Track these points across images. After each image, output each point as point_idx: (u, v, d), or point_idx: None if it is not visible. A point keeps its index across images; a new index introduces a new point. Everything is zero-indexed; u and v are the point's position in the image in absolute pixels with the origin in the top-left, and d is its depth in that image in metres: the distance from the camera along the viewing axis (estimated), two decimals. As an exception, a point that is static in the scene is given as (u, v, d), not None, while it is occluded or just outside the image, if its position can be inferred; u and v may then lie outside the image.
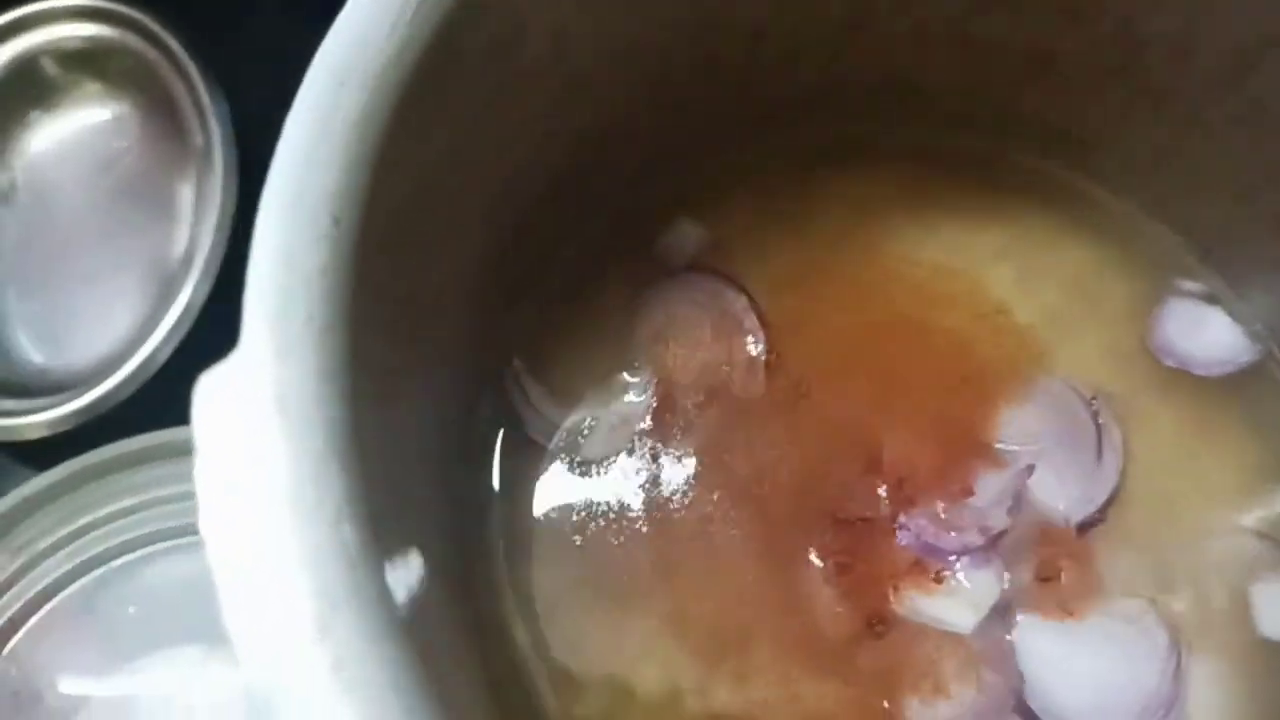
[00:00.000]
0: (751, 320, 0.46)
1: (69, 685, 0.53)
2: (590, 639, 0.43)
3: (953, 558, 0.43)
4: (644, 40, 0.40)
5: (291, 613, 0.25)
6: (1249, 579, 0.43)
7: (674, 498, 0.44)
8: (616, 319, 0.46)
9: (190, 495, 0.52)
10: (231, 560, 0.25)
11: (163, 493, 0.53)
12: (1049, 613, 0.42)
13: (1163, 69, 0.40)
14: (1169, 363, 0.45)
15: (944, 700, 0.42)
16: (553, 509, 0.45)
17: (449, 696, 0.28)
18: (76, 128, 0.61)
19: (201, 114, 0.57)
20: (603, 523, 0.44)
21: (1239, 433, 0.45)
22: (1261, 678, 0.42)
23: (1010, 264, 0.47)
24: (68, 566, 0.53)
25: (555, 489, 0.45)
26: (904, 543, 0.43)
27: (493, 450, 0.45)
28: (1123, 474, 0.44)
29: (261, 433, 0.26)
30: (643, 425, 0.45)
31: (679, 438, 0.45)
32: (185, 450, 0.53)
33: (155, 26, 0.58)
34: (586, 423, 0.45)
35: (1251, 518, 0.44)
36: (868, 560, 0.43)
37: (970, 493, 0.43)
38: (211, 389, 0.26)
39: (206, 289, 0.54)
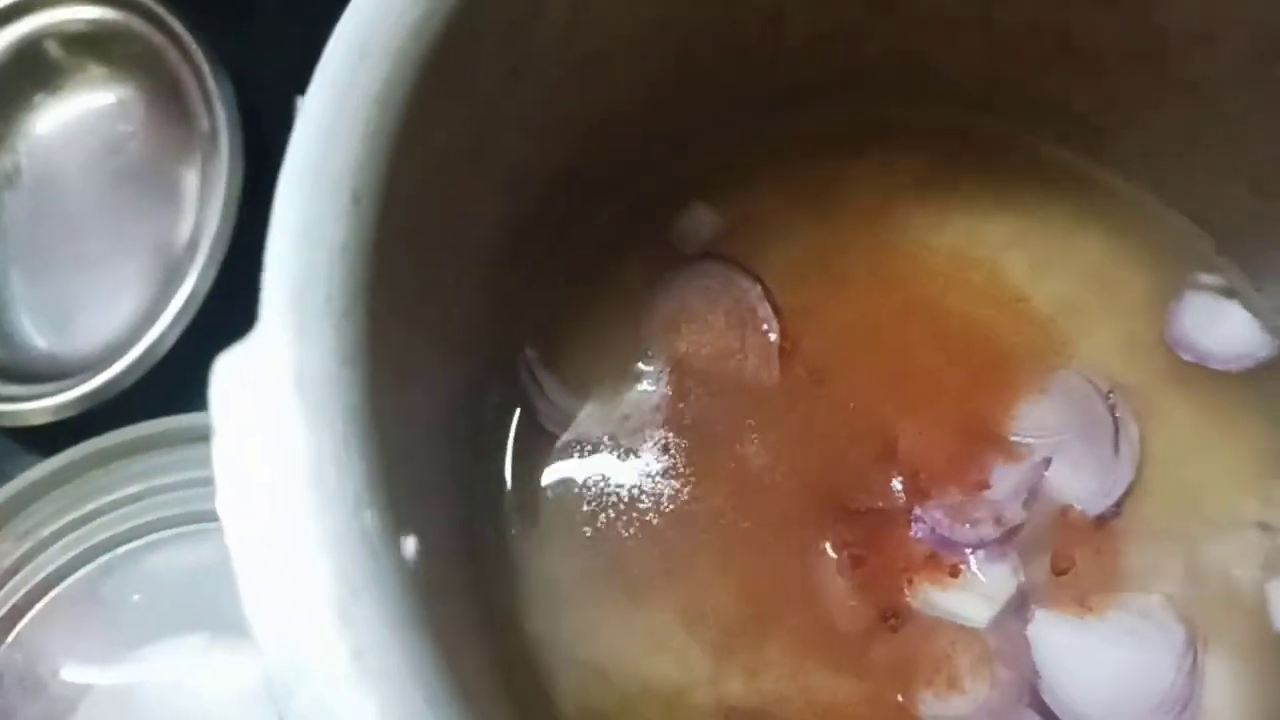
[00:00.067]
0: (765, 308, 0.45)
1: (73, 672, 0.53)
2: (602, 630, 0.43)
3: (968, 551, 0.42)
4: (663, 19, 0.39)
5: (311, 598, 0.25)
6: (1266, 574, 0.43)
7: (686, 488, 0.44)
8: (630, 306, 0.46)
9: (195, 483, 0.53)
10: (250, 544, 0.25)
11: (168, 480, 0.53)
12: (1065, 607, 0.42)
13: (1184, 56, 0.40)
14: (1186, 357, 0.45)
15: (958, 695, 0.41)
16: (564, 498, 0.44)
17: (466, 685, 0.28)
18: (81, 111, 0.60)
19: (207, 98, 0.56)
20: (614, 513, 0.44)
21: (1256, 427, 0.44)
22: (1277, 673, 0.42)
23: (1025, 253, 0.46)
24: (72, 553, 0.53)
25: (567, 479, 0.45)
26: (919, 535, 0.43)
27: (505, 439, 0.45)
28: (1139, 468, 0.44)
29: (280, 414, 0.25)
30: (656, 415, 0.45)
31: (692, 427, 0.45)
32: (191, 437, 0.52)
33: (160, 10, 0.57)
34: (599, 412, 0.45)
35: (1268, 513, 0.44)
36: (882, 553, 0.43)
37: (986, 485, 0.43)
38: (229, 369, 0.26)
39: (212, 275, 0.54)
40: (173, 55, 0.57)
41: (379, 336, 0.28)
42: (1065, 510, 0.43)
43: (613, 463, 0.44)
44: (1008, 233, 0.47)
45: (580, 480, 0.44)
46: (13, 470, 0.53)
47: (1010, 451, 0.43)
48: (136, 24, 0.58)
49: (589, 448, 0.45)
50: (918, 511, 0.43)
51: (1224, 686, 0.42)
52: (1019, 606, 0.42)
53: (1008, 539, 0.42)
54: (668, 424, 0.45)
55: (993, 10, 0.42)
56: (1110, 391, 0.44)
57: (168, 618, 0.53)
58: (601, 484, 0.44)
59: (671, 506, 0.44)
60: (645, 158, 0.46)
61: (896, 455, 0.43)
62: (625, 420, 0.45)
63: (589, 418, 0.45)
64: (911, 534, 0.43)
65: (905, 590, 0.42)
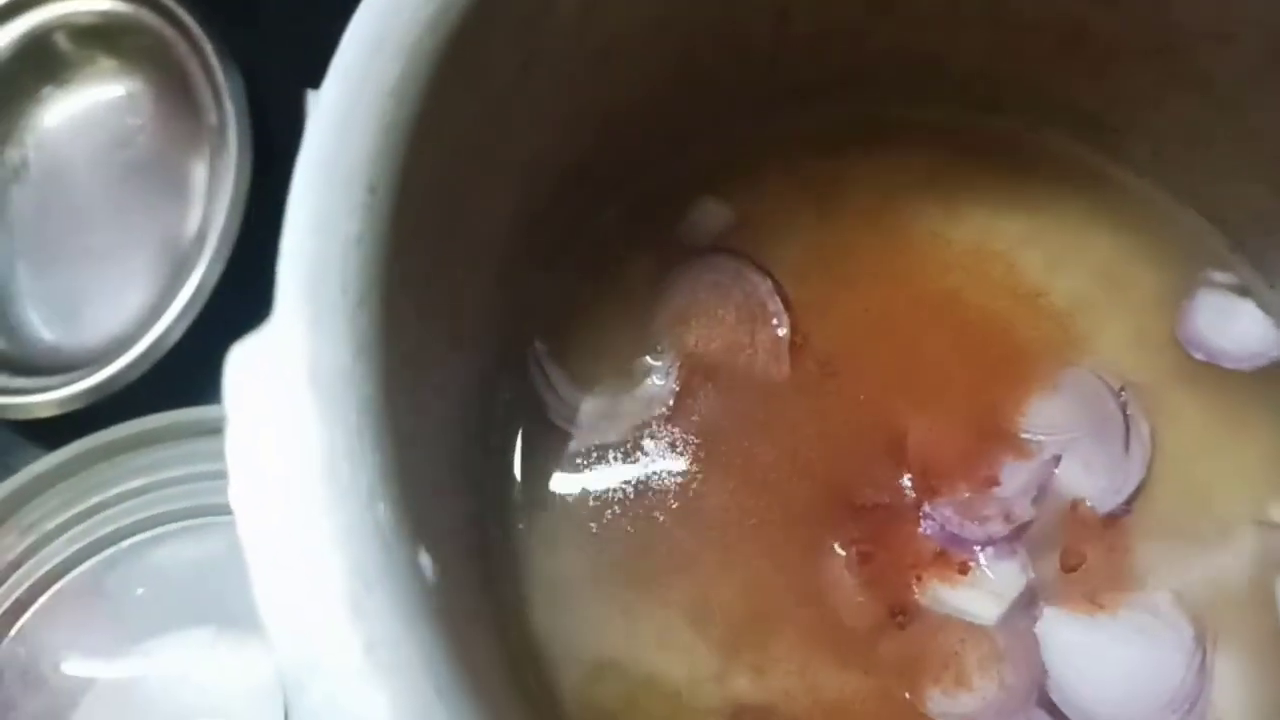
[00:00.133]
0: (776, 303, 0.45)
1: (77, 666, 0.53)
2: (609, 626, 0.43)
3: (977, 548, 0.42)
4: (669, 17, 0.39)
5: (324, 592, 0.25)
6: (1276, 573, 0.43)
7: (694, 484, 0.44)
8: (640, 301, 0.46)
9: (201, 476, 0.53)
10: (263, 536, 0.25)
11: (173, 473, 0.53)
12: (1074, 605, 0.42)
13: (1199, 54, 0.40)
14: (1198, 355, 0.45)
15: (966, 692, 0.41)
16: (572, 494, 0.44)
17: (477, 678, 0.28)
18: (89, 104, 0.60)
19: (216, 92, 0.56)
20: (622, 509, 0.44)
21: (1268, 426, 0.44)
22: (1286, 672, 0.42)
23: (1039, 249, 0.46)
24: (77, 546, 0.53)
25: (575, 474, 0.44)
26: (928, 532, 0.43)
27: (514, 434, 0.45)
28: (1150, 466, 0.43)
29: (294, 406, 0.25)
30: (665, 410, 0.45)
31: (701, 423, 0.45)
32: (197, 430, 0.52)
33: (170, 3, 0.57)
34: (608, 407, 0.45)
35: (1278, 511, 0.43)
36: (890, 549, 0.43)
37: (996, 482, 0.43)
38: (243, 360, 0.26)
39: (219, 269, 0.54)
40: (182, 48, 0.57)
41: (393, 329, 0.28)
42: (1075, 507, 0.43)
43: (620, 459, 0.44)
44: (1021, 229, 0.47)
45: (588, 476, 0.44)
46: (17, 463, 0.53)
47: (1020, 448, 0.43)
48: (146, 17, 0.58)
49: (597, 443, 0.45)
50: (927, 508, 0.43)
51: (1233, 684, 0.42)
52: (1028, 604, 0.42)
53: (1017, 536, 0.42)
54: (676, 419, 0.45)
55: (1002, 7, 0.42)
56: (1121, 389, 0.44)
57: (172, 612, 0.53)
58: (609, 480, 0.44)
59: (678, 503, 0.44)
60: (654, 153, 0.46)
61: (906, 451, 0.43)
62: (634, 416, 0.45)
63: (598, 413, 0.45)
64: (920, 530, 0.43)
65: (914, 587, 0.42)
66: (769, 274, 0.46)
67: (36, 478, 0.52)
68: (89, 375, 0.53)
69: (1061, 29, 0.42)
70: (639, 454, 0.44)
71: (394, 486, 0.26)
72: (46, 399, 0.54)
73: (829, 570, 0.43)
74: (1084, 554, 0.42)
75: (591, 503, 0.44)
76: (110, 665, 0.53)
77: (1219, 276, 0.46)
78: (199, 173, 0.58)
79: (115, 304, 0.57)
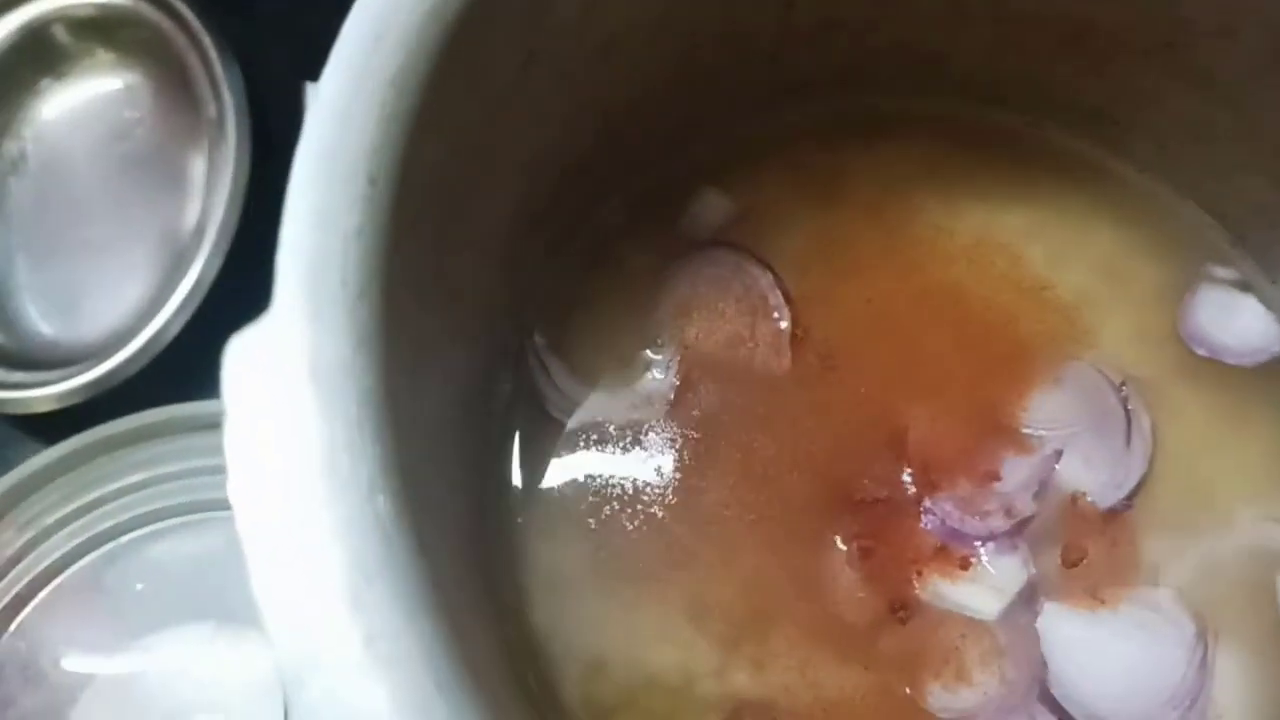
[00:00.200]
0: (777, 296, 0.45)
1: (76, 661, 0.53)
2: (608, 621, 0.43)
3: (978, 543, 0.42)
4: (674, 13, 0.39)
5: (323, 585, 0.24)
6: (1276, 568, 0.43)
7: (692, 479, 0.44)
8: (640, 294, 0.46)
9: (200, 471, 0.53)
10: (262, 529, 0.25)
11: (172, 468, 0.53)
12: (1075, 600, 0.42)
13: (1202, 49, 0.40)
14: (1200, 351, 0.45)
15: (966, 687, 0.41)
16: (572, 489, 0.44)
17: (477, 671, 0.28)
18: (88, 97, 0.60)
19: (215, 85, 0.56)
20: (620, 504, 0.44)
21: (1269, 422, 0.44)
22: (1287, 667, 0.42)
23: (1039, 244, 0.46)
24: (76, 542, 0.53)
25: (575, 468, 0.44)
26: (928, 527, 0.43)
27: (513, 427, 0.45)
28: (1151, 461, 0.43)
29: (293, 399, 0.25)
30: (665, 404, 0.45)
31: (700, 417, 0.44)
32: (196, 425, 0.52)
33: (169, -5, 0.57)
34: (607, 401, 0.45)
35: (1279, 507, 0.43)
36: (891, 544, 0.43)
37: (996, 477, 0.43)
38: (242, 351, 0.26)
39: (218, 263, 0.54)
40: (180, 41, 0.57)
41: (393, 321, 0.28)
42: (1076, 502, 0.43)
43: (619, 453, 0.44)
44: (1023, 223, 0.46)
45: (586, 471, 0.44)
46: (16, 458, 0.53)
47: (1021, 443, 0.43)
48: (144, 9, 0.58)
49: (596, 437, 0.45)
50: (927, 503, 0.43)
51: (1234, 680, 0.42)
52: (1028, 599, 0.42)
53: (1018, 531, 0.42)
54: (676, 414, 0.45)
55: (1002, 3, 0.42)
56: (1123, 384, 0.44)
57: (171, 607, 0.53)
58: (607, 475, 0.44)
59: (677, 498, 0.44)
60: (656, 146, 0.46)
61: (907, 445, 0.43)
62: (633, 409, 0.45)
63: (597, 406, 0.45)
64: (921, 525, 0.43)
65: (914, 582, 0.42)
66: (769, 267, 0.46)
67: (35, 473, 0.52)
68: (88, 370, 0.53)
69: (1064, 24, 0.42)
70: (638, 449, 0.44)
71: (394, 479, 0.26)
72: (45, 393, 0.53)
73: (829, 565, 0.43)
74: (1085, 549, 0.42)
75: (590, 497, 0.44)
76: (109, 660, 0.53)
77: (1220, 271, 0.46)
78: (198, 166, 0.57)
79: (114, 297, 0.57)
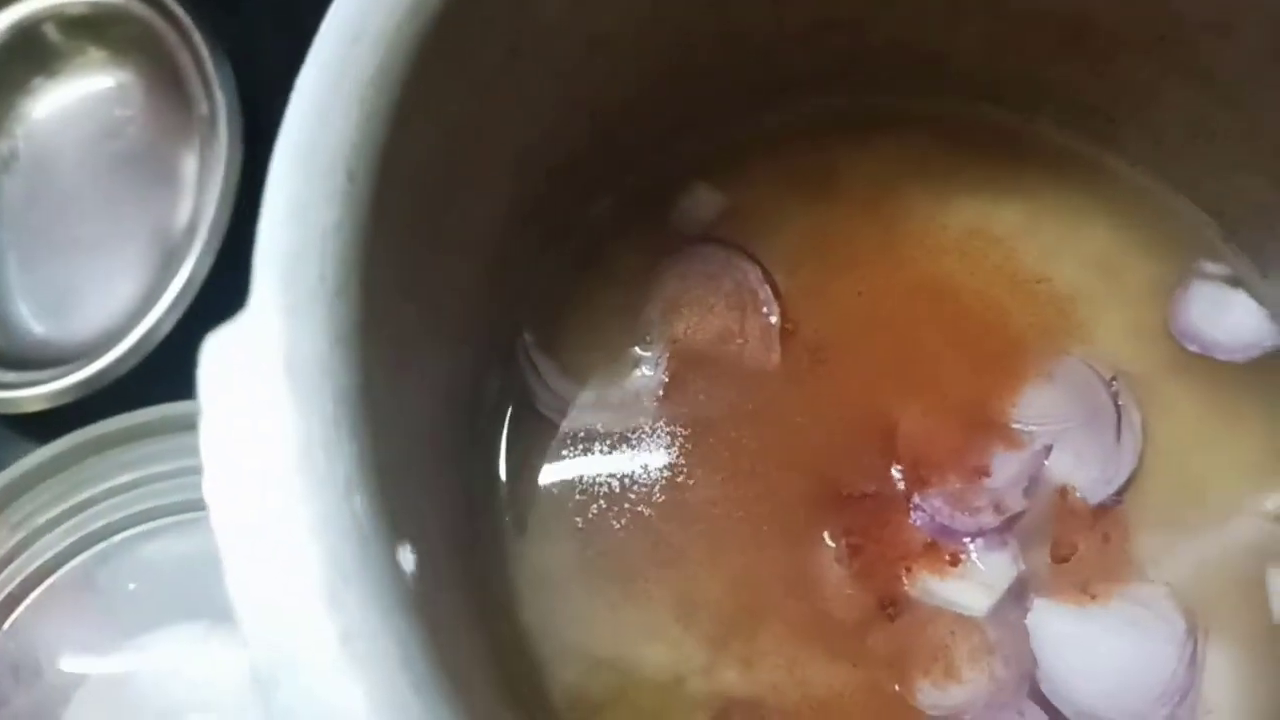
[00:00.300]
0: (766, 291, 0.45)
1: (69, 661, 0.53)
2: (595, 620, 0.43)
3: (967, 539, 0.42)
4: (665, 6, 0.39)
5: (299, 583, 0.24)
6: (1266, 564, 0.42)
7: (681, 477, 0.44)
8: (630, 291, 0.46)
9: (192, 470, 0.52)
10: (237, 528, 0.25)
11: (164, 468, 0.53)
12: (1065, 596, 0.42)
13: (1200, 46, 0.39)
14: (1192, 347, 0.44)
15: (956, 684, 0.41)
16: (560, 487, 0.44)
17: (457, 672, 0.28)
18: (79, 95, 0.60)
19: (207, 82, 0.56)
20: (608, 503, 0.44)
21: (1260, 417, 0.44)
22: (1278, 664, 0.42)
23: (1034, 239, 0.46)
24: (68, 541, 0.53)
25: (564, 466, 0.44)
26: (918, 523, 0.42)
27: (501, 426, 0.45)
28: (1142, 456, 0.43)
29: (269, 396, 0.25)
30: (654, 401, 0.44)
31: (689, 414, 0.44)
32: (188, 425, 0.52)
33: (160, -7, 0.57)
34: (597, 399, 0.45)
35: (1271, 503, 0.43)
36: (880, 541, 0.42)
37: (986, 473, 0.43)
38: (218, 349, 0.26)
39: (210, 261, 0.54)
40: (172, 39, 0.57)
41: (373, 318, 0.28)
42: (1066, 498, 0.43)
43: (607, 451, 0.44)
44: (1017, 219, 0.46)
45: (574, 469, 0.44)
46: (8, 458, 0.53)
47: (1011, 439, 0.43)
48: (135, 7, 0.58)
49: (584, 435, 0.44)
50: (917, 499, 0.42)
51: (1224, 676, 0.41)
52: (1018, 595, 0.42)
53: (1008, 527, 0.42)
54: (665, 411, 0.44)
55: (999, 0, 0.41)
56: (1113, 379, 0.44)
57: (164, 606, 0.53)
58: (595, 473, 0.44)
59: (665, 496, 0.44)
60: (646, 142, 0.45)
61: (896, 441, 0.43)
62: (623, 407, 0.45)
63: (586, 404, 0.45)
64: (910, 522, 0.42)
65: (903, 579, 0.42)
66: (759, 262, 0.45)
67: (27, 472, 0.52)
68: (79, 369, 0.53)
69: (1062, 21, 0.42)
70: (626, 446, 0.44)
71: (372, 477, 0.26)
72: (36, 393, 0.53)
73: (818, 562, 0.42)
74: (1075, 545, 0.42)
75: (578, 496, 0.44)
76: (102, 660, 0.52)
77: (1212, 267, 0.45)
78: (189, 164, 0.57)
79: (105, 296, 0.57)
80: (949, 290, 0.45)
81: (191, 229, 0.54)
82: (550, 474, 0.44)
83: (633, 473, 0.44)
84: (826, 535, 0.43)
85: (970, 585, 0.42)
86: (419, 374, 0.35)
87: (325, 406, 0.25)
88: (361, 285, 0.27)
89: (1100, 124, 0.46)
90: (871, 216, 0.47)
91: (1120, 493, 0.43)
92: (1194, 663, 0.41)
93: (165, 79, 0.58)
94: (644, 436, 0.44)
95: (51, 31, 0.59)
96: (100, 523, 0.53)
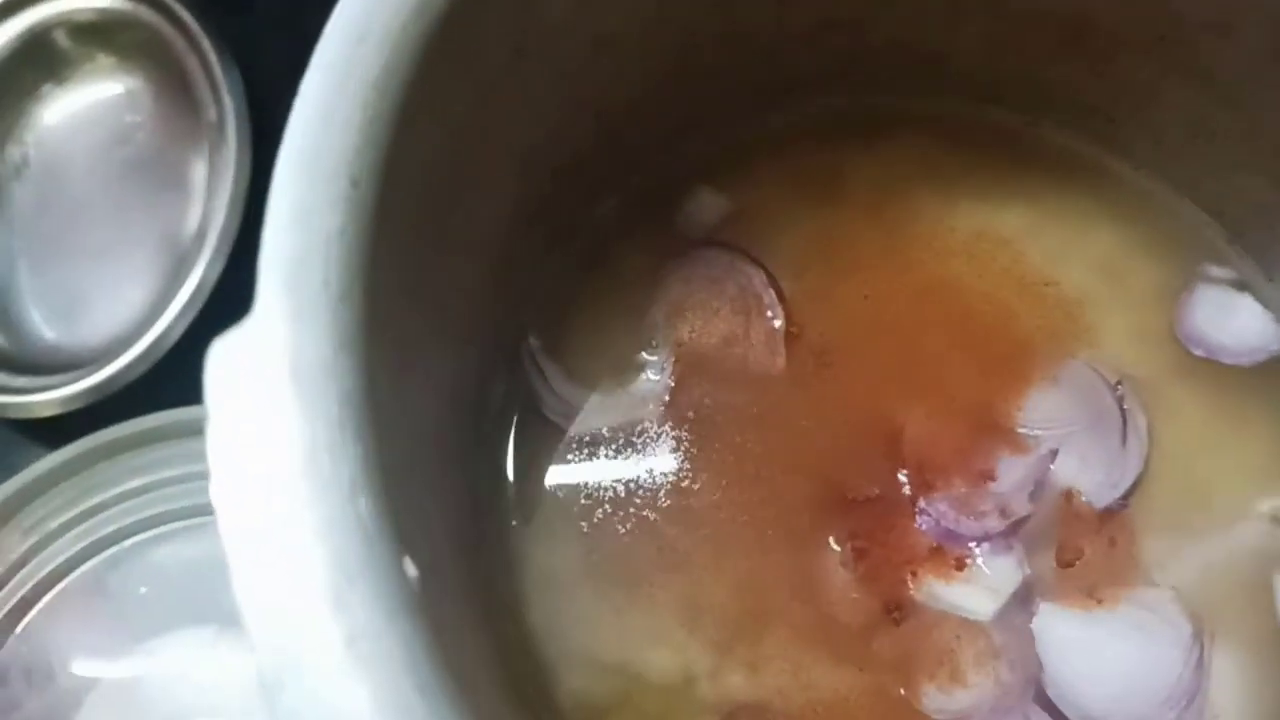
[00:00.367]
0: (770, 295, 0.45)
1: (80, 665, 0.53)
2: (601, 624, 0.43)
3: (973, 544, 0.42)
4: (670, 7, 0.39)
5: (305, 585, 0.24)
6: (1273, 568, 0.42)
7: (686, 481, 0.44)
8: (635, 294, 0.46)
9: (202, 475, 0.52)
10: (243, 530, 0.25)
11: (175, 472, 0.53)
12: (1070, 600, 0.42)
13: (1201, 46, 0.39)
14: (1197, 351, 0.44)
15: (961, 689, 0.41)
16: (566, 491, 0.44)
17: (462, 674, 0.28)
18: (89, 101, 0.60)
19: (215, 88, 0.56)
20: (614, 507, 0.44)
21: (1266, 421, 0.44)
22: (1284, 668, 0.42)
23: (1038, 242, 0.46)
24: (79, 546, 0.53)
25: (570, 471, 0.44)
26: (923, 528, 0.42)
27: (507, 430, 0.45)
28: (1147, 461, 0.43)
29: (275, 401, 0.25)
30: (659, 405, 0.44)
31: (694, 418, 0.44)
32: (198, 429, 0.52)
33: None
34: (602, 403, 0.45)
35: (1277, 507, 0.43)
36: (885, 545, 0.42)
37: (992, 477, 0.43)
38: (224, 354, 0.26)
39: (220, 266, 0.54)
40: (180, 45, 0.57)
41: (378, 322, 0.28)
42: (1072, 502, 0.43)
43: (613, 455, 0.44)
44: (1022, 221, 0.46)
45: (580, 473, 0.44)
46: (19, 463, 0.53)
47: (1017, 443, 0.43)
48: (145, 13, 0.58)
49: (590, 439, 0.44)
50: (922, 504, 0.42)
51: (1231, 680, 0.41)
52: (1024, 600, 0.42)
53: (1013, 531, 0.42)
54: (670, 415, 0.45)
55: (1000, 1, 0.41)
56: (1119, 383, 0.44)
57: (175, 611, 0.53)
58: (601, 477, 0.44)
59: (670, 500, 0.44)
60: (651, 142, 0.46)
61: (902, 445, 0.43)
62: (628, 411, 0.45)
63: (592, 408, 0.45)
64: (916, 526, 0.42)
65: (909, 583, 0.42)
66: (763, 266, 0.45)
67: (38, 477, 0.52)
68: (90, 374, 0.53)
69: (1062, 21, 0.42)
70: (632, 451, 0.44)
71: (377, 479, 0.26)
72: (48, 398, 0.54)
73: (823, 566, 0.42)
74: (1081, 549, 0.42)
75: (583, 500, 0.44)
76: (113, 664, 0.53)
77: (1217, 271, 0.45)
78: (199, 169, 0.58)
79: (116, 302, 0.57)
80: (956, 292, 0.45)
81: (201, 234, 0.55)
82: (556, 477, 0.44)
83: (638, 477, 0.44)
84: (831, 539, 0.43)
85: (976, 589, 0.42)
86: (424, 375, 0.35)
87: (330, 410, 0.26)
88: (365, 289, 0.27)
89: (1100, 124, 0.46)
90: (877, 220, 0.47)
91: (1126, 497, 0.43)
92: (1200, 667, 0.41)
93: (173, 85, 0.58)
94: (649, 441, 0.44)
95: (61, 38, 0.60)
96: (111, 527, 0.53)
